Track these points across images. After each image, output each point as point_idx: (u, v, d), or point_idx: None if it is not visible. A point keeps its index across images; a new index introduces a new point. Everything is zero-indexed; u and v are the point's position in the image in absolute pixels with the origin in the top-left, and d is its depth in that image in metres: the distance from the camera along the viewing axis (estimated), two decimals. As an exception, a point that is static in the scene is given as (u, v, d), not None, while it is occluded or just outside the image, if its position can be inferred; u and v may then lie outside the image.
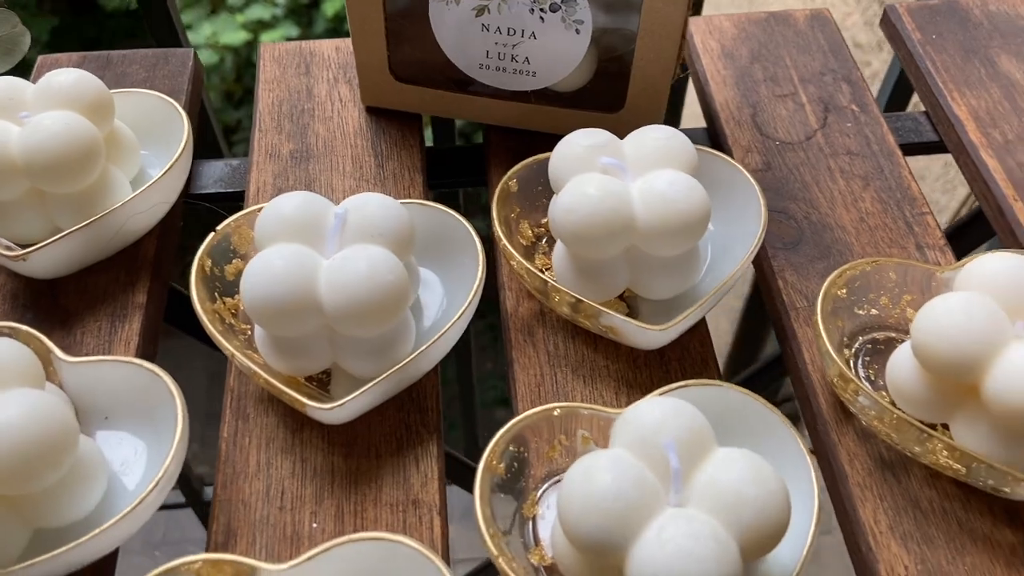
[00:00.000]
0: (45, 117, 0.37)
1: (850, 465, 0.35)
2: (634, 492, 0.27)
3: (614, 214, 0.34)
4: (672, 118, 0.74)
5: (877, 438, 0.35)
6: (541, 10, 0.41)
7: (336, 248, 0.33)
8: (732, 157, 0.46)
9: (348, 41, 0.51)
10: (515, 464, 0.33)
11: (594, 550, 0.27)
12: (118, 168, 0.41)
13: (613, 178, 0.35)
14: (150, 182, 0.39)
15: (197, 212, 0.46)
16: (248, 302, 0.32)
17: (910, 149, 0.49)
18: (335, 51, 0.51)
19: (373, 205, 0.34)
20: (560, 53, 0.43)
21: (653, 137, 0.37)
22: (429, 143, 0.51)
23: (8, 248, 0.37)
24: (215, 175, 0.47)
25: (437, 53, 0.44)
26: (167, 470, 0.30)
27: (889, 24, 0.55)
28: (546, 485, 0.33)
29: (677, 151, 0.36)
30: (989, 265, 0.33)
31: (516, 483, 0.33)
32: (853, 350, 0.37)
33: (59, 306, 0.39)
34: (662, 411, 0.29)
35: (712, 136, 0.49)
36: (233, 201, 0.46)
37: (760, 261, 0.42)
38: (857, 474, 0.35)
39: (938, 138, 0.49)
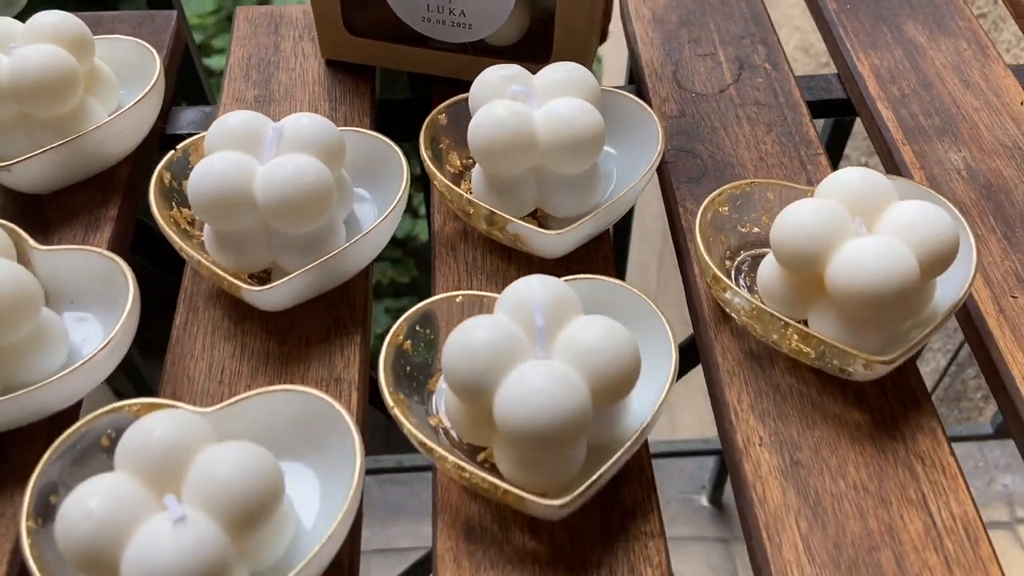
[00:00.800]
0: (30, 48, 0.42)
1: (722, 357, 0.39)
2: (503, 343, 0.31)
3: (518, 131, 0.39)
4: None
5: (748, 336, 0.39)
6: (472, -34, 0.46)
7: (272, 156, 0.38)
8: (651, 107, 0.50)
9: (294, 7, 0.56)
10: (421, 344, 0.37)
11: (468, 391, 0.31)
12: (97, 101, 0.45)
13: (519, 103, 0.40)
14: (122, 109, 0.44)
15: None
16: (192, 198, 0.37)
17: (820, 107, 0.53)
18: (303, 14, 0.56)
19: (306, 121, 0.39)
20: (492, 7, 0.47)
21: (558, 70, 0.41)
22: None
23: (-5, 162, 0.42)
24: (189, 119, 0.52)
25: (386, 8, 0.49)
26: (118, 331, 0.34)
27: (813, 3, 0.59)
28: (451, 365, 0.37)
29: (578, 82, 0.41)
30: (840, 176, 0.37)
31: (424, 361, 0.37)
32: (736, 263, 0.41)
33: (40, 217, 0.44)
34: (535, 283, 0.33)
35: (637, 93, 0.53)
36: (203, 140, 0.51)
37: (667, 194, 0.46)
38: (727, 363, 0.38)
39: (846, 96, 0.53)
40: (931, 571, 0.32)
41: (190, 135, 0.51)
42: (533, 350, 0.32)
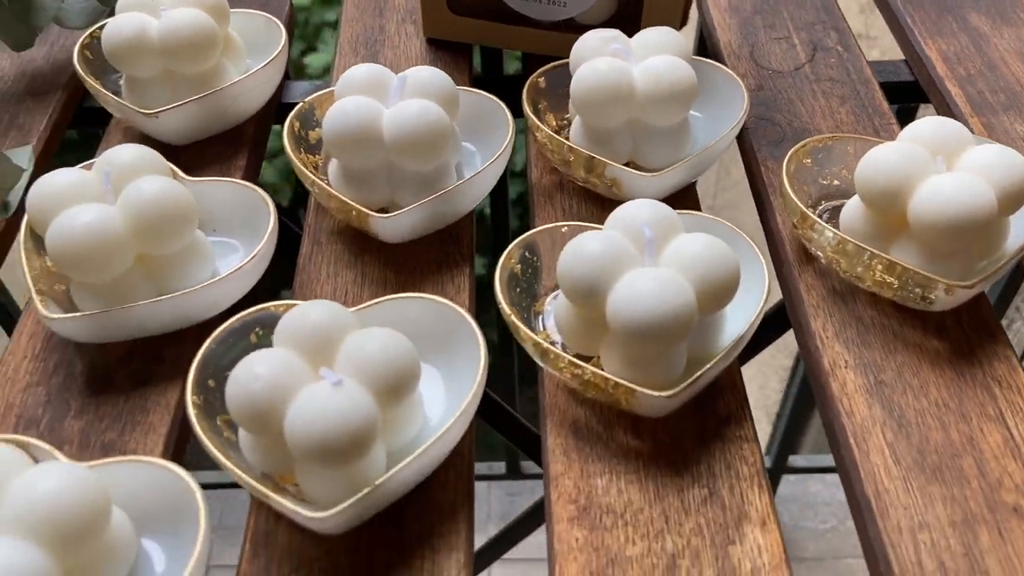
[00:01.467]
0: (178, 11, 0.46)
1: (807, 293, 0.41)
2: (615, 251, 0.34)
3: (619, 84, 0.42)
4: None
5: (831, 275, 0.42)
6: (571, -53, 0.50)
7: (396, 102, 0.41)
8: (730, 82, 0.53)
9: None
10: (529, 270, 0.40)
11: (581, 294, 0.34)
12: (231, 64, 0.50)
13: (619, 59, 0.43)
14: (252, 70, 0.48)
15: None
16: (327, 135, 0.41)
17: (889, 88, 0.56)
18: (404, 0, 0.60)
19: (426, 73, 0.42)
20: (586, -16, 0.51)
21: (652, 33, 0.44)
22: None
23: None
24: (301, 90, 0.56)
25: (486, -12, 0.53)
26: (262, 247, 0.38)
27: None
28: (554, 293, 0.40)
29: (672, 43, 0.44)
30: (919, 124, 0.40)
31: (531, 286, 0.40)
32: (817, 212, 0.44)
33: (180, 164, 0.48)
34: (643, 204, 0.36)
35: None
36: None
37: (747, 156, 0.49)
38: (812, 299, 0.41)
39: (913, 78, 0.56)
40: (1011, 476, 0.34)
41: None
42: (642, 260, 0.34)
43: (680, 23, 0.54)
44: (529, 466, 1.16)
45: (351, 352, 0.31)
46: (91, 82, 0.48)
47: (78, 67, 0.48)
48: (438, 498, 0.34)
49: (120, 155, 0.38)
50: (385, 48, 0.56)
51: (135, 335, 0.38)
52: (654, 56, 0.43)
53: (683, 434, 0.36)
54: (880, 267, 0.38)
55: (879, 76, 0.56)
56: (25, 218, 0.39)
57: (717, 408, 0.37)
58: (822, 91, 0.52)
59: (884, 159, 0.38)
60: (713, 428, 0.36)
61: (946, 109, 0.52)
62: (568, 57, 0.46)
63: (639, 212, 0.35)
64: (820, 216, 0.44)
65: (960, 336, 0.39)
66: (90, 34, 0.50)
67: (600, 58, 0.43)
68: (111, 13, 0.50)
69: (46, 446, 0.30)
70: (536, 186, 0.47)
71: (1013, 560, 0.32)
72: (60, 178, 0.37)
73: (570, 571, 0.32)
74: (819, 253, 0.41)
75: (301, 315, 0.32)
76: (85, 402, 0.37)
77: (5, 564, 0.25)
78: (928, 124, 0.39)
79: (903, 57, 0.58)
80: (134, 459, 0.31)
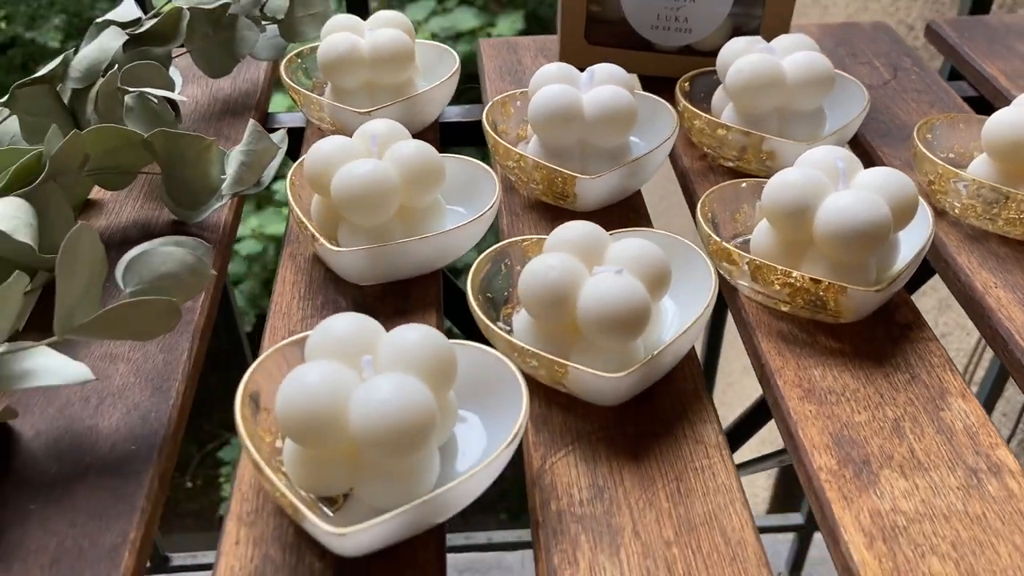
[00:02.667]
0: (382, 31, 0.54)
1: (947, 237, 0.47)
2: (816, 179, 0.40)
3: (771, 72, 0.49)
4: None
5: (963, 222, 0.48)
6: (700, -20, 0.58)
7: (590, 89, 0.48)
8: (831, 93, 0.61)
9: (535, 38, 0.68)
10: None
11: (789, 212, 0.40)
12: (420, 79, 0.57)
13: (768, 55, 0.51)
14: (434, 84, 0.55)
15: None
16: (533, 115, 0.47)
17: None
18: (531, 43, 0.68)
19: (610, 67, 0.50)
20: (711, 11, 0.59)
21: (788, 38, 0.52)
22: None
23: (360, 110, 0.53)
24: (456, 112, 0.63)
25: (619, 22, 0.61)
26: (489, 209, 0.44)
27: (932, 32, 0.71)
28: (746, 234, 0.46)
29: (807, 43, 0.52)
30: (812, 151, 0.42)
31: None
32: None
33: (378, 159, 0.54)
34: (834, 150, 0.42)
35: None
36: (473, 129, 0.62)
37: (866, 148, 0.57)
38: (952, 242, 0.47)
39: (977, 94, 0.64)
40: None
41: (460, 122, 0.62)
42: (835, 187, 0.41)
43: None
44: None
45: (618, 256, 0.37)
46: (305, 92, 0.54)
47: (289, 81, 0.55)
48: (681, 383, 0.39)
49: (376, 126, 0.44)
50: (527, 75, 0.64)
51: (389, 275, 0.44)
52: (796, 52, 0.51)
53: (874, 337, 0.41)
54: (1013, 203, 0.45)
55: (955, 91, 0.64)
56: (288, 184, 0.45)
57: (896, 319, 0.43)
58: (912, 99, 0.60)
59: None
60: (898, 333, 0.42)
61: (1017, 111, 0.60)
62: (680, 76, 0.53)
63: (832, 153, 0.42)
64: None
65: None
66: (291, 58, 0.57)
67: (752, 54, 0.51)
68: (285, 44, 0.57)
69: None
70: (689, 169, 0.54)
71: None
72: (333, 142, 0.43)
73: (811, 432, 0.37)
74: (951, 205, 0.47)
75: (565, 230, 0.38)
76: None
77: (401, 389, 0.30)
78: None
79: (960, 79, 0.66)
80: (462, 342, 0.35)
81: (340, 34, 0.54)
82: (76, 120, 0.53)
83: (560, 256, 0.37)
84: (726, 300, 0.45)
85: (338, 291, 0.44)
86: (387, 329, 0.33)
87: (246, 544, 0.33)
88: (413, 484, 0.31)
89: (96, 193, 0.52)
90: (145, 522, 0.33)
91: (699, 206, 0.44)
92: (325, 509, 0.32)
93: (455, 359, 0.33)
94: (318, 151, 0.43)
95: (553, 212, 0.50)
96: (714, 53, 0.61)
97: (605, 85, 0.48)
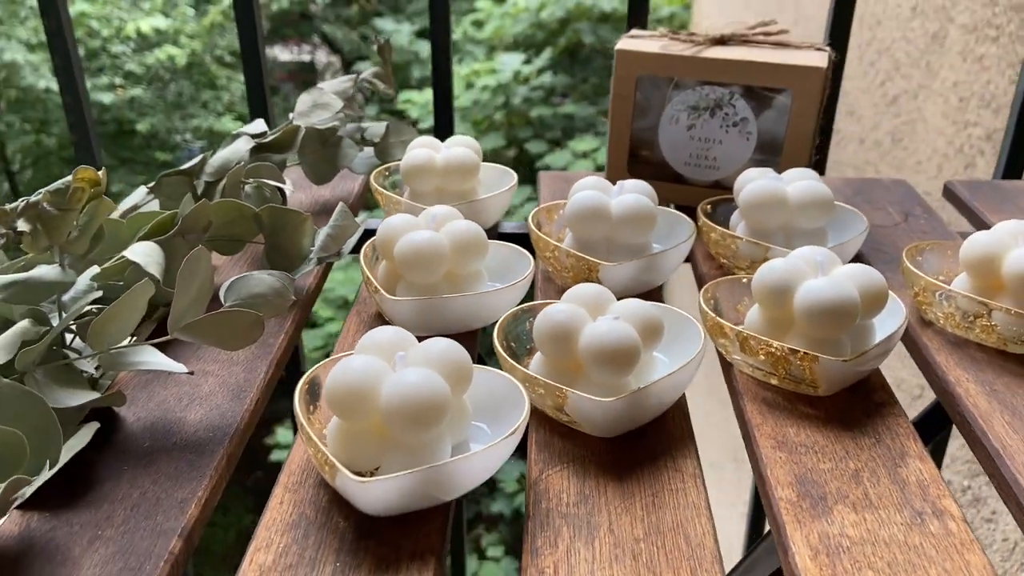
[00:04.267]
0: (454, 148, 0.64)
1: (930, 343, 0.53)
2: (794, 267, 0.47)
3: (774, 194, 0.57)
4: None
5: (946, 332, 0.53)
6: (726, 126, 0.68)
7: (619, 196, 0.57)
8: (844, 229, 0.68)
9: (588, 172, 0.78)
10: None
11: (773, 294, 0.46)
12: (480, 189, 0.67)
13: (775, 181, 0.59)
14: (494, 194, 0.65)
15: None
16: (568, 214, 0.56)
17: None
18: (585, 175, 0.78)
19: (638, 182, 0.58)
20: (736, 153, 0.68)
21: (795, 171, 0.60)
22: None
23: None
24: (512, 225, 0.72)
25: (659, 156, 0.70)
26: (524, 278, 0.52)
27: (948, 191, 0.78)
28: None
29: (808, 174, 0.60)
30: (801, 250, 0.53)
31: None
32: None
33: (441, 250, 0.63)
34: (817, 250, 0.49)
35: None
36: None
37: (865, 271, 0.63)
38: (934, 346, 0.52)
39: (986, 241, 0.70)
40: (1109, 445, 0.43)
41: (515, 233, 0.71)
42: (816, 275, 0.47)
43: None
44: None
45: (618, 309, 0.44)
46: (386, 193, 0.65)
47: (375, 184, 0.66)
48: (671, 427, 0.45)
49: (437, 208, 0.54)
50: (578, 200, 0.73)
51: (437, 326, 0.51)
52: (802, 180, 0.59)
53: (849, 409, 0.46)
54: (992, 312, 0.50)
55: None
56: (373, 246, 0.54)
57: (872, 398, 0.47)
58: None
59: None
60: (872, 409, 0.46)
61: (1016, 254, 0.66)
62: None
63: (814, 250, 0.49)
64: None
65: (1053, 369, 0.49)
66: (381, 171, 0.68)
67: (763, 180, 0.59)
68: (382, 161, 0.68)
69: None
70: (706, 275, 0.61)
71: (1120, 489, 0.40)
72: (399, 219, 0.53)
73: (778, 472, 0.41)
74: (936, 319, 0.53)
75: (578, 288, 0.45)
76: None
77: (426, 378, 0.37)
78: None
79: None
80: (482, 367, 0.43)
81: (420, 149, 0.64)
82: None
83: (568, 304, 0.44)
84: (724, 374, 0.51)
85: (391, 339, 0.52)
86: (421, 342, 0.41)
87: (288, 504, 0.39)
88: (427, 458, 0.37)
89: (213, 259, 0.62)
90: (212, 486, 0.40)
91: (703, 291, 0.51)
92: (355, 478, 0.39)
93: (471, 367, 0.40)
94: (388, 223, 0.52)
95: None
96: (740, 189, 0.70)
97: (630, 193, 0.57)
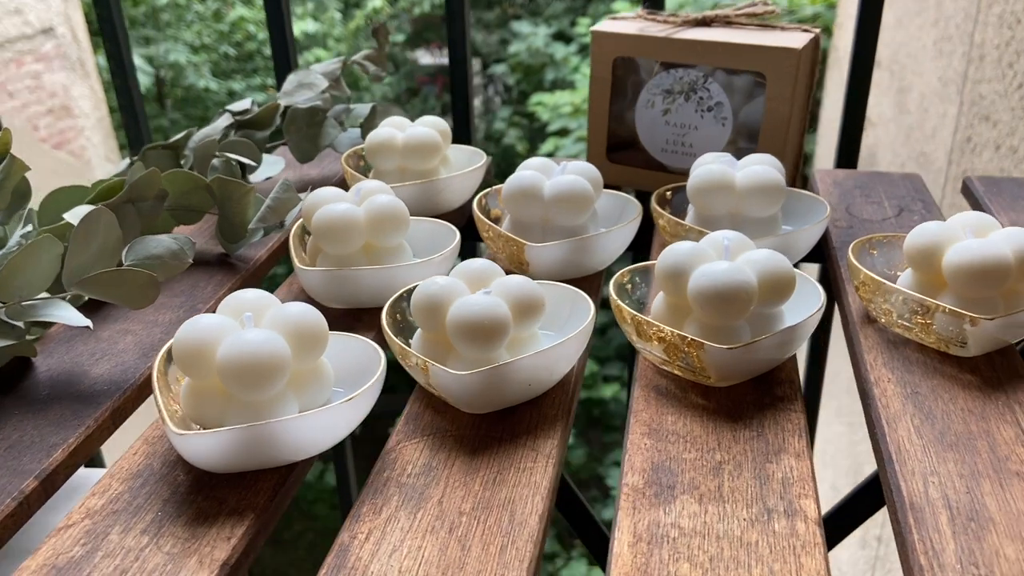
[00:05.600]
0: (416, 128, 0.64)
1: (866, 340, 0.49)
2: (697, 250, 0.45)
3: (722, 178, 0.55)
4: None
5: (889, 330, 0.50)
6: (701, 111, 0.65)
7: (558, 176, 0.56)
8: (828, 226, 0.64)
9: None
10: (637, 291, 0.51)
11: (670, 277, 0.44)
12: (446, 171, 0.67)
13: (723, 166, 0.56)
14: (457, 173, 0.64)
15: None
16: (505, 192, 0.55)
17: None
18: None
19: (582, 164, 0.57)
20: (712, 139, 0.65)
21: (755, 155, 0.57)
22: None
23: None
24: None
25: (637, 146, 0.68)
26: (446, 253, 0.52)
27: (965, 187, 0.72)
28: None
29: (768, 160, 0.57)
30: (714, 234, 0.49)
31: (642, 297, 0.50)
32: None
33: (396, 228, 0.63)
34: (720, 234, 0.47)
35: (817, 220, 0.67)
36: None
37: (832, 261, 0.59)
38: (869, 344, 0.49)
39: (990, 240, 0.65)
40: (1018, 456, 0.39)
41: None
42: (717, 258, 0.45)
43: (791, 180, 0.67)
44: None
45: (498, 284, 0.43)
46: (349, 170, 0.66)
47: (344, 164, 0.67)
48: (546, 409, 0.43)
49: (366, 184, 0.54)
50: (557, 185, 0.72)
51: (348, 300, 0.52)
52: (754, 165, 0.56)
53: (743, 402, 0.44)
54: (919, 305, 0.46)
55: (958, 235, 0.65)
56: (299, 220, 0.55)
57: (775, 391, 0.45)
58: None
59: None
60: (768, 402, 0.44)
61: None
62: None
63: (721, 233, 0.46)
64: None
65: (991, 376, 0.45)
66: (354, 151, 0.69)
67: (713, 164, 0.56)
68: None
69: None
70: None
71: (1011, 504, 0.36)
72: (327, 191, 0.53)
73: (637, 460, 0.40)
74: (877, 315, 0.49)
75: (467, 263, 0.45)
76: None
77: (262, 338, 0.37)
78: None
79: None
80: (341, 333, 0.43)
81: (385, 128, 0.65)
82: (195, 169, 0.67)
83: (446, 279, 0.43)
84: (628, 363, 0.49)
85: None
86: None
87: (141, 456, 0.40)
88: (265, 418, 0.38)
89: (178, 230, 0.65)
90: (87, 435, 0.42)
91: (617, 275, 0.50)
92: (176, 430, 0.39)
93: (325, 332, 0.40)
94: (313, 195, 0.53)
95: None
96: (718, 177, 0.67)
97: (569, 175, 0.55)
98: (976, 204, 0.69)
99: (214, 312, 0.42)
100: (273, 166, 0.73)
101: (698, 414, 0.43)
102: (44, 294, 0.47)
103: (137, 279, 0.45)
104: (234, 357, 0.37)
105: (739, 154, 0.66)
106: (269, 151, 0.74)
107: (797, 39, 0.62)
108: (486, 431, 0.42)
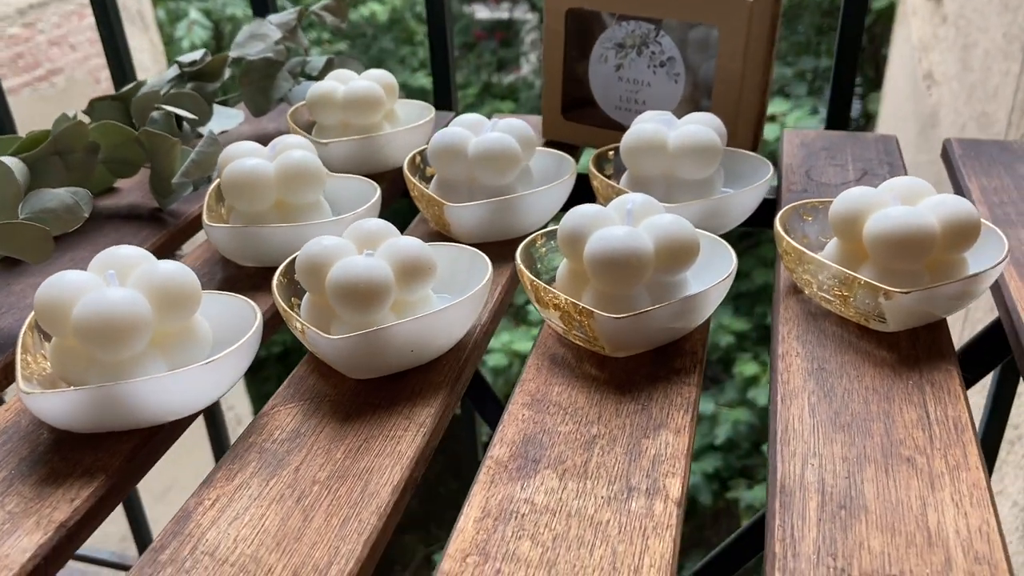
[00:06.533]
0: (359, 82, 0.62)
1: (786, 311, 0.46)
2: (600, 214, 0.42)
3: (654, 137, 0.52)
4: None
5: (812, 301, 0.47)
6: (653, 66, 0.62)
7: (486, 133, 0.54)
8: (782, 188, 0.61)
9: (537, 117, 0.74)
10: (550, 253, 0.48)
11: (569, 242, 0.42)
12: (390, 126, 0.65)
13: (657, 125, 0.53)
14: (397, 129, 0.62)
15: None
16: (430, 149, 0.53)
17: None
18: (535, 120, 0.74)
19: (513, 120, 0.54)
20: (665, 96, 0.62)
21: (697, 114, 0.54)
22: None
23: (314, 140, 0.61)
24: (444, 166, 0.70)
25: (591, 103, 0.65)
26: (359, 212, 0.50)
27: (944, 150, 0.68)
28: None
29: (707, 120, 0.54)
30: (625, 196, 0.46)
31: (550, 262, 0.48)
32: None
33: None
34: (637, 196, 0.44)
35: (776, 187, 0.64)
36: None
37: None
38: (789, 316, 0.46)
39: (957, 207, 0.61)
40: (915, 441, 0.37)
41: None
42: (618, 222, 0.43)
43: (750, 142, 0.63)
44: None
45: (387, 245, 0.41)
46: (296, 128, 0.64)
47: (289, 119, 0.65)
48: (434, 376, 0.42)
49: (284, 139, 0.53)
50: (512, 142, 0.70)
51: (259, 259, 0.51)
52: (689, 124, 0.53)
53: (638, 373, 0.42)
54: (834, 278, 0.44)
55: (924, 202, 0.61)
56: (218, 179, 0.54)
57: (674, 364, 0.43)
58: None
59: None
60: (664, 375, 0.42)
61: (973, 223, 0.56)
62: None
63: (630, 197, 0.44)
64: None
65: (911, 354, 0.42)
66: (301, 105, 0.67)
67: (647, 123, 0.53)
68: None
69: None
70: (591, 227, 0.57)
71: (890, 492, 0.34)
72: (246, 144, 0.52)
73: (510, 431, 0.38)
74: (801, 285, 0.47)
75: (361, 222, 0.43)
76: (223, 289, 0.49)
77: (118, 297, 0.36)
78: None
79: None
80: (224, 293, 0.42)
81: (326, 82, 0.63)
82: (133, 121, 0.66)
83: (334, 239, 0.42)
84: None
85: (223, 266, 0.52)
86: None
87: (12, 412, 0.40)
88: (121, 378, 0.37)
89: (119, 184, 0.65)
90: None
91: (526, 239, 0.47)
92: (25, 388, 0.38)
93: (196, 293, 0.39)
94: (227, 151, 0.52)
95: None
96: (673, 137, 0.64)
97: (496, 133, 0.53)
98: (950, 167, 0.65)
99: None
100: (230, 119, 0.71)
101: (586, 385, 0.41)
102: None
103: (29, 232, 0.44)
104: (88, 316, 0.36)
105: (698, 108, 0.63)
106: (227, 104, 0.73)
107: (753, -10, 0.58)
108: (365, 397, 0.41)
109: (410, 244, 0.42)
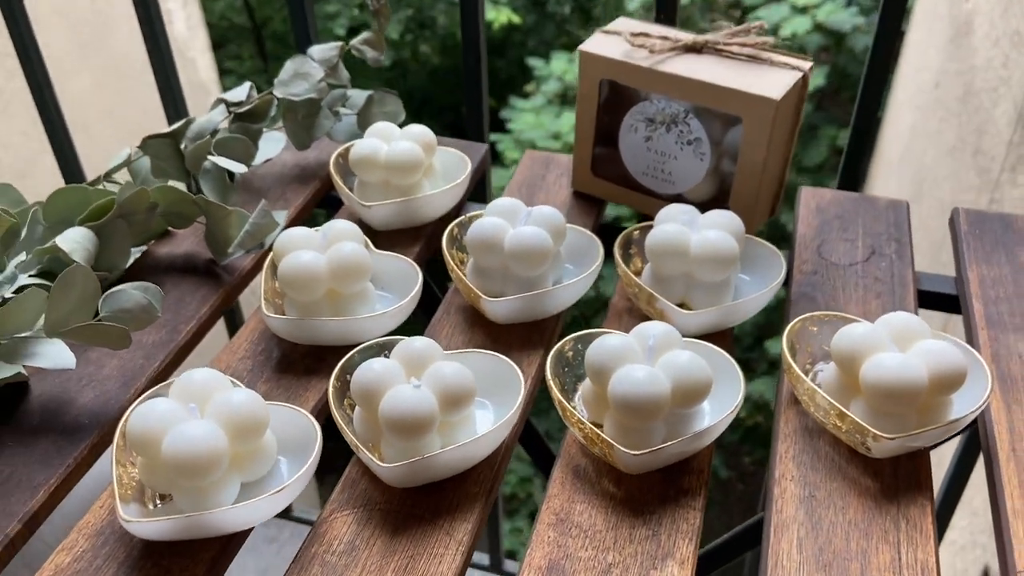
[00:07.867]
0: (401, 143, 0.65)
1: (785, 426, 0.51)
2: (624, 347, 0.47)
3: (678, 243, 0.56)
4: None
5: (809, 414, 0.52)
6: (681, 143, 0.65)
7: (521, 226, 0.57)
8: (794, 268, 0.64)
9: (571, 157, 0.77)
10: (578, 357, 0.53)
11: (595, 372, 0.47)
12: (428, 183, 0.68)
13: (684, 227, 0.57)
14: (441, 189, 0.66)
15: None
16: (468, 239, 0.57)
17: (928, 296, 0.65)
18: (567, 160, 0.77)
19: (547, 210, 0.58)
20: (690, 171, 0.65)
21: (717, 214, 0.58)
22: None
23: (361, 203, 0.65)
24: (472, 208, 0.74)
25: (620, 162, 0.68)
26: (408, 301, 0.54)
27: (951, 220, 0.71)
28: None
29: (728, 223, 0.57)
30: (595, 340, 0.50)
31: (578, 369, 0.53)
32: (814, 371, 0.54)
33: (376, 243, 0.66)
34: (657, 325, 0.49)
35: (788, 259, 0.68)
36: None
37: (786, 322, 0.60)
38: (787, 431, 0.51)
39: (955, 293, 0.65)
40: (886, 585, 0.42)
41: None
42: (642, 358, 0.47)
43: (769, 211, 0.67)
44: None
45: (432, 372, 0.46)
46: (337, 179, 0.68)
47: (332, 169, 0.68)
48: (471, 487, 0.48)
49: (335, 225, 0.56)
50: (540, 191, 0.73)
51: (313, 342, 0.55)
52: (711, 230, 0.56)
53: (649, 493, 0.47)
54: (834, 413, 0.48)
55: (925, 284, 0.65)
56: (271, 255, 0.58)
57: (681, 483, 0.48)
58: (863, 286, 0.63)
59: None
60: (672, 496, 0.47)
61: (968, 320, 0.61)
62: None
63: (652, 328, 0.48)
64: (815, 375, 0.54)
65: (892, 482, 0.48)
66: (344, 150, 0.71)
67: (671, 223, 0.57)
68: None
69: (239, 382, 0.47)
70: (614, 306, 0.61)
71: (860, 639, 0.40)
72: (299, 232, 0.56)
73: (536, 555, 0.44)
74: (804, 404, 0.51)
75: (409, 342, 0.48)
76: (272, 374, 0.54)
77: (201, 433, 0.41)
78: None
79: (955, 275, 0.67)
80: (288, 405, 0.47)
81: (369, 140, 0.66)
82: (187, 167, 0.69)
83: (384, 362, 0.47)
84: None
85: (278, 345, 0.57)
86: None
87: (106, 509, 0.46)
88: (203, 501, 0.43)
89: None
90: (67, 475, 0.48)
91: (555, 348, 0.52)
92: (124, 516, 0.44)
93: (265, 421, 0.44)
94: (284, 237, 0.56)
95: (475, 318, 0.60)
96: (701, 202, 0.67)
97: (531, 227, 0.57)
98: (956, 241, 0.69)
99: (191, 345, 0.47)
100: (275, 144, 0.74)
101: (605, 504, 0.47)
102: (39, 326, 0.52)
103: (112, 332, 0.49)
104: (175, 451, 0.41)
105: (723, 177, 0.66)
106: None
107: (781, 82, 0.60)
108: (410, 509, 0.46)
109: (455, 373, 0.46)
